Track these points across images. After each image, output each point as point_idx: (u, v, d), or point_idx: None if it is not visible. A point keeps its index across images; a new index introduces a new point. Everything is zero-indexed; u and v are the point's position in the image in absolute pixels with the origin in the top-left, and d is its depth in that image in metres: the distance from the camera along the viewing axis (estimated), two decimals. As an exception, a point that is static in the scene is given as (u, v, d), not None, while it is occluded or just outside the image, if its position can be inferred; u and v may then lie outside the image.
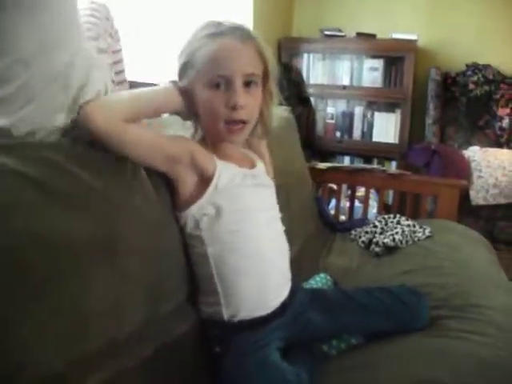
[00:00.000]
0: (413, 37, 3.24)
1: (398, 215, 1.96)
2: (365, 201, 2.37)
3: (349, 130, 3.39)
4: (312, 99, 3.39)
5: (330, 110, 3.42)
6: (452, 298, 1.25)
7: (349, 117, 3.38)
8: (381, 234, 1.83)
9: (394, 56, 3.27)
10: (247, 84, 0.99)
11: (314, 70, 3.41)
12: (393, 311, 1.12)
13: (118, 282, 0.86)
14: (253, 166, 1.16)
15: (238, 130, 1.01)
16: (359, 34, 3.34)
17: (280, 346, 1.00)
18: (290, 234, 1.20)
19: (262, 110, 1.08)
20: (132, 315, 0.89)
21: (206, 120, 1.03)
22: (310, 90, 3.36)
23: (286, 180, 1.66)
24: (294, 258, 1.20)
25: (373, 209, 2.66)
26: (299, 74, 3.32)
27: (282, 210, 1.20)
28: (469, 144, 3.21)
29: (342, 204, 2.52)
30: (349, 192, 2.60)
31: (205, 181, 1.01)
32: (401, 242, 1.74)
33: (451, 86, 3.32)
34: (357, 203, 2.56)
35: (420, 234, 1.79)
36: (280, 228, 1.15)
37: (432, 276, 1.42)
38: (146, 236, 0.94)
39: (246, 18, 2.78)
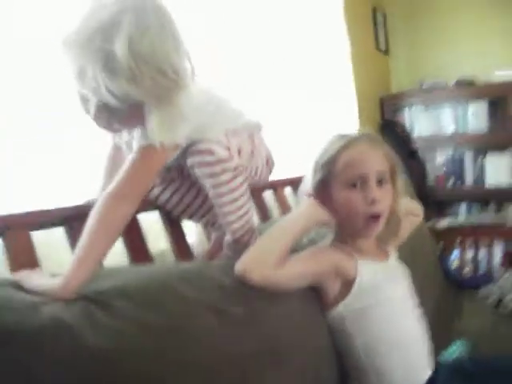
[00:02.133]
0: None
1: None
2: (489, 254, 2.36)
3: (460, 176, 3.37)
4: (419, 151, 3.41)
5: (438, 160, 3.43)
6: None
7: (458, 164, 3.37)
8: (510, 292, 1.84)
9: (497, 98, 3.24)
10: (379, 182, 1.11)
11: (418, 123, 3.45)
12: None
13: (285, 381, 0.97)
14: (387, 256, 1.26)
15: (374, 225, 1.11)
16: (458, 83, 3.33)
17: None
18: (420, 302, 1.26)
19: (391, 206, 1.16)
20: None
21: (344, 217, 1.13)
22: (417, 143, 3.39)
23: (410, 245, 1.74)
24: (428, 327, 1.27)
25: (496, 257, 2.63)
26: (404, 128, 3.40)
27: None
28: None
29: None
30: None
31: (348, 282, 1.13)
32: (532, 300, 1.74)
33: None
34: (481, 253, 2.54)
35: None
36: (419, 313, 1.23)
37: None
38: (302, 338, 1.06)
39: (346, 82, 2.88)
